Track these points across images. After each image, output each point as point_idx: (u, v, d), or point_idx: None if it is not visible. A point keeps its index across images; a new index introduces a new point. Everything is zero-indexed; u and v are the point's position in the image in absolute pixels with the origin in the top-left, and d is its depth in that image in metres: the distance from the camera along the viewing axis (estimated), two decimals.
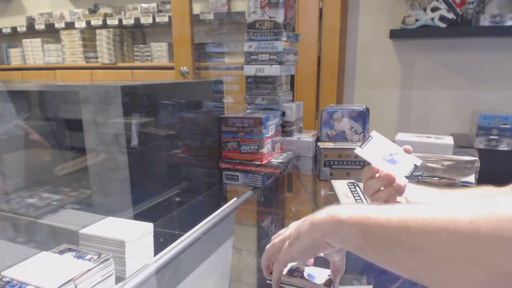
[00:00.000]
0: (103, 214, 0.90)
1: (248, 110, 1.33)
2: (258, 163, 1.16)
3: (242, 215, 1.21)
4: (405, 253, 0.41)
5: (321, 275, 0.68)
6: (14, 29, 3.59)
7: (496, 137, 1.72)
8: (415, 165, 0.75)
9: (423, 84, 2.20)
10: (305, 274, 0.67)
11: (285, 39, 1.23)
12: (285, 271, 0.66)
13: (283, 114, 1.32)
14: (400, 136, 1.35)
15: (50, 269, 0.66)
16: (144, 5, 3.02)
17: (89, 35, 3.26)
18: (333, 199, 1.08)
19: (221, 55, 3.03)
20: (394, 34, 2.09)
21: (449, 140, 1.33)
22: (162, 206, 1.17)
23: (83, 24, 3.21)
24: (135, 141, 1.01)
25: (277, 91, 1.28)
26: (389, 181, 0.72)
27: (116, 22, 3.08)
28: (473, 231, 0.36)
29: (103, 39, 3.10)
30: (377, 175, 0.74)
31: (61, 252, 0.72)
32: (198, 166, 1.22)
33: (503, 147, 1.75)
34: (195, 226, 0.91)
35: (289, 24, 1.28)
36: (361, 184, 1.12)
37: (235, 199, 1.07)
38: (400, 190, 0.71)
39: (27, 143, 1.26)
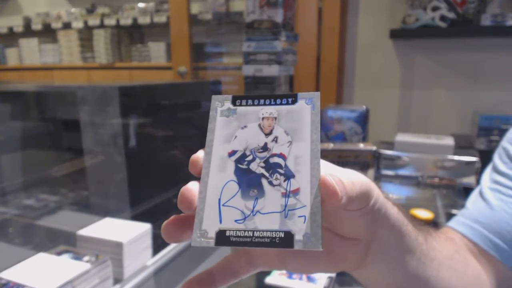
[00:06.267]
0: (101, 215, 0.89)
1: None
2: None
3: None
4: None
5: (321, 277, 0.67)
6: (10, 29, 3.57)
7: (497, 137, 1.71)
8: None
9: (423, 84, 2.19)
10: (304, 276, 0.66)
11: (284, 38, 1.22)
12: (284, 272, 0.65)
13: None
14: (400, 136, 1.34)
15: (48, 270, 0.65)
16: (142, 5, 3.01)
17: (86, 35, 3.24)
18: None
19: (219, 55, 3.02)
20: (394, 34, 2.08)
21: (449, 141, 1.33)
22: (161, 207, 1.16)
23: (80, 24, 3.20)
24: (132, 142, 1.00)
25: (276, 92, 1.28)
26: None
27: (113, 22, 3.06)
28: None
29: (100, 39, 3.08)
30: None
31: (59, 254, 0.71)
32: None
33: None
34: None
35: (288, 24, 1.27)
36: None
37: None
38: None
39: (24, 143, 1.25)
